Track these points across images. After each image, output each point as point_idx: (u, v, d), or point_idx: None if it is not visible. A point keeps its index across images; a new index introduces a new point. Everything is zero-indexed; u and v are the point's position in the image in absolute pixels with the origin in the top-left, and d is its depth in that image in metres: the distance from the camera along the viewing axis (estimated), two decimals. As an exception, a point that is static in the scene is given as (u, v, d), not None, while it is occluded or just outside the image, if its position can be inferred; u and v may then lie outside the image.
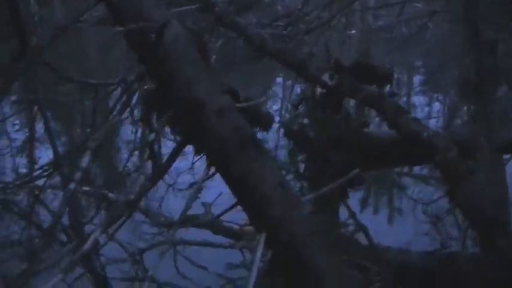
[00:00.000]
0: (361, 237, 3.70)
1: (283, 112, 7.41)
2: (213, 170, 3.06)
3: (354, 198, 4.67)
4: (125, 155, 6.30)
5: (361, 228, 3.56)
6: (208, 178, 3.07)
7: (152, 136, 3.12)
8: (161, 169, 3.28)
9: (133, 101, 4.37)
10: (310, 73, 4.07)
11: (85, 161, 2.90)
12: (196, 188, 3.02)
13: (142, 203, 3.98)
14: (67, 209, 4.20)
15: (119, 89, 5.00)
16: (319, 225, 3.05)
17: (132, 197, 2.99)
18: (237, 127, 2.92)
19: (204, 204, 3.54)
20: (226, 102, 2.95)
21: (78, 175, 2.87)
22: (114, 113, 3.87)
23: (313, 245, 2.89)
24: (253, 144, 2.92)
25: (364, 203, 4.98)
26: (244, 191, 2.93)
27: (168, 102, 3.05)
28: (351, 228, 3.82)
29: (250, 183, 2.88)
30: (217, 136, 2.90)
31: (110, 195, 3.52)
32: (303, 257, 2.88)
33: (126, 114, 4.61)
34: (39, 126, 7.11)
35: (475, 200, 3.64)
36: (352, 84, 4.01)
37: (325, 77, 4.11)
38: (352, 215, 3.63)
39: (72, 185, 2.92)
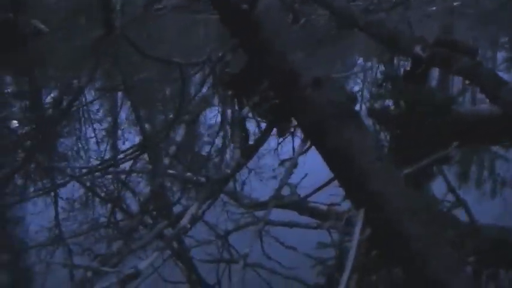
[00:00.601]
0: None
1: (364, 92, 7.26)
2: (308, 144, 2.98)
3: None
4: (205, 139, 6.27)
5: (461, 203, 3.41)
6: (303, 153, 2.99)
7: (245, 112, 3.06)
8: (253, 146, 3.22)
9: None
10: (402, 46, 3.93)
11: (179, 134, 2.87)
12: (292, 163, 2.94)
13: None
14: (156, 190, 4.18)
15: (201, 70, 4.99)
16: (418, 201, 2.93)
17: (228, 171, 2.93)
18: (334, 98, 2.81)
19: (289, 185, 3.47)
20: (323, 73, 2.85)
21: (172, 150, 2.84)
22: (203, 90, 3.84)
23: (413, 221, 2.77)
24: (352, 117, 2.81)
25: (462, 178, 4.81)
26: (343, 165, 2.82)
27: (260, 76, 2.98)
28: (448, 204, 3.67)
29: (349, 156, 2.77)
30: (313, 108, 2.80)
31: (199, 176, 3.49)
32: (403, 233, 2.76)
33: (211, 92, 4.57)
34: (122, 112, 7.15)
35: None
36: (447, 55, 3.85)
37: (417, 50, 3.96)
38: (452, 189, 3.48)
39: (165, 161, 2.88)
